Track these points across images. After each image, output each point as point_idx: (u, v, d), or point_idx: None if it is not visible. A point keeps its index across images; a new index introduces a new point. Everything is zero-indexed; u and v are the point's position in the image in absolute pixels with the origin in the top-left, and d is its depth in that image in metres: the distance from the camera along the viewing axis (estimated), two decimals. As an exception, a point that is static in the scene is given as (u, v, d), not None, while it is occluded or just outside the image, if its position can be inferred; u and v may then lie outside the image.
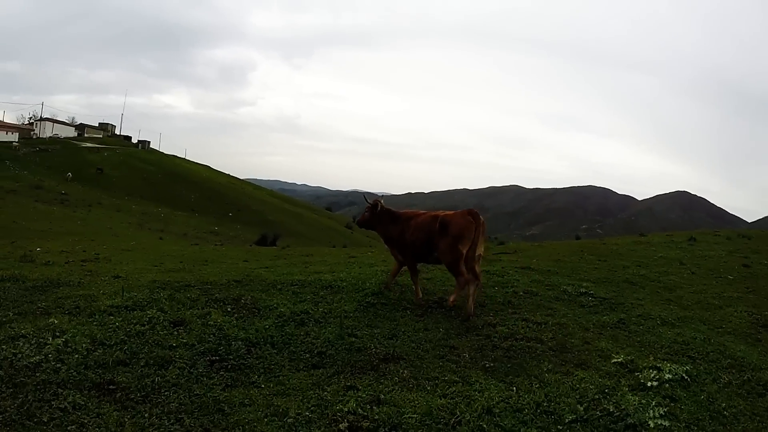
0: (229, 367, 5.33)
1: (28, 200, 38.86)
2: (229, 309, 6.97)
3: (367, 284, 8.49)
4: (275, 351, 5.80)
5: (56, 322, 6.11)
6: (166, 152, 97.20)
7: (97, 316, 6.41)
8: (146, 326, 6.15)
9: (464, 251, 6.92)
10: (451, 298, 7.32)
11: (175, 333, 6.04)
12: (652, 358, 6.05)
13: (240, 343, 5.88)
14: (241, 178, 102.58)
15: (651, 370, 5.62)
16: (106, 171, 63.31)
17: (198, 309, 6.88)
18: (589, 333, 6.92)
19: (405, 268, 8.05)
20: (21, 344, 5.48)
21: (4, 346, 5.41)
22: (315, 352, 5.86)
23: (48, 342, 5.53)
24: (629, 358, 6.01)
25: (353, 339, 6.24)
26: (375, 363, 5.64)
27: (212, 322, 6.36)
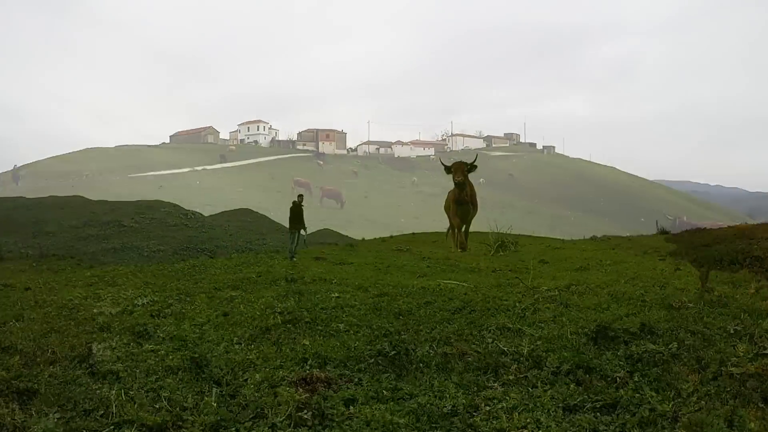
0: None
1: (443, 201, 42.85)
2: None
3: None
4: None
5: None
6: (570, 156, 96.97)
7: None
8: None
9: None
10: None
11: None
12: None
13: None
14: (650, 179, 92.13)
15: None
16: (516, 176, 67.76)
17: None
18: None
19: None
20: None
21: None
22: None
23: None
24: None
25: None
26: None
27: None
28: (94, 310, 5.38)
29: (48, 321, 5.09)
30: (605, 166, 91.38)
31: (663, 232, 19.62)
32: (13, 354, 3.96)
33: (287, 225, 14.42)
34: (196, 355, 3.84)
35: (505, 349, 4.03)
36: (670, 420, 2.91)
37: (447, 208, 14.50)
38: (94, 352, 3.94)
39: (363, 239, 14.84)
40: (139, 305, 5.56)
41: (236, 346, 4.21)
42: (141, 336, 4.52)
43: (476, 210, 14.04)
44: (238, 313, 4.78)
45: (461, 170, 12.96)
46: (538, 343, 4.10)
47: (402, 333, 4.48)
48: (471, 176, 13.35)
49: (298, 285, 5.53)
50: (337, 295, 5.20)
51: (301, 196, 15.20)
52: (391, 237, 17.22)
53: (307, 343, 4.11)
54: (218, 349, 4.12)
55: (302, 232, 14.69)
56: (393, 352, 4.04)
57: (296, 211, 14.55)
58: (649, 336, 4.12)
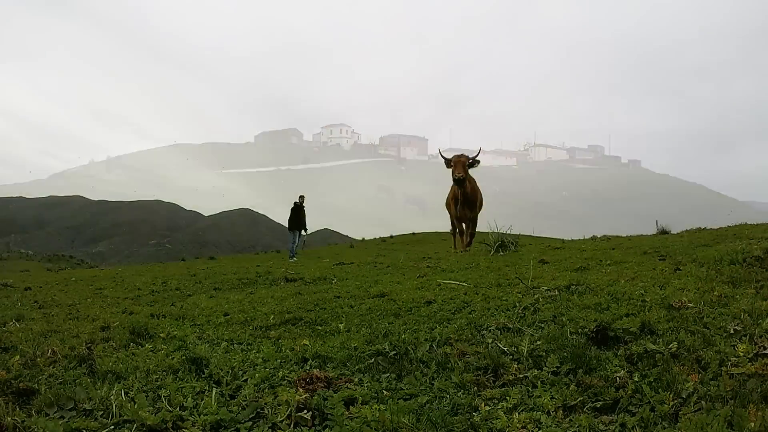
0: None
1: (527, 214, 42.56)
2: None
3: None
4: None
5: None
6: (656, 171, 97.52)
7: None
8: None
9: None
10: None
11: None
12: None
13: None
14: (740, 199, 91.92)
15: None
16: (600, 191, 67.80)
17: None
18: None
19: None
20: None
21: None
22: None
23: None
24: None
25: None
26: None
27: None
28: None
29: (48, 321, 5.10)
30: (692, 183, 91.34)
31: (663, 232, 19.63)
32: (13, 354, 3.97)
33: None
34: (196, 355, 3.84)
35: (505, 349, 4.02)
36: (670, 420, 2.91)
37: (448, 207, 13.99)
38: (94, 352, 3.94)
39: (363, 239, 14.80)
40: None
41: (236, 346, 4.22)
42: (141, 336, 4.53)
43: (477, 209, 13.77)
44: (239, 313, 4.80)
45: (462, 164, 11.85)
46: (538, 343, 4.09)
47: (402, 333, 4.49)
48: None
49: (297, 285, 5.54)
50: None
51: (302, 196, 15.13)
52: (391, 237, 17.21)
53: (307, 343, 4.12)
54: (218, 349, 4.13)
55: (303, 232, 14.72)
56: (393, 352, 4.04)
57: (297, 212, 14.57)
58: (649, 336, 4.11)
